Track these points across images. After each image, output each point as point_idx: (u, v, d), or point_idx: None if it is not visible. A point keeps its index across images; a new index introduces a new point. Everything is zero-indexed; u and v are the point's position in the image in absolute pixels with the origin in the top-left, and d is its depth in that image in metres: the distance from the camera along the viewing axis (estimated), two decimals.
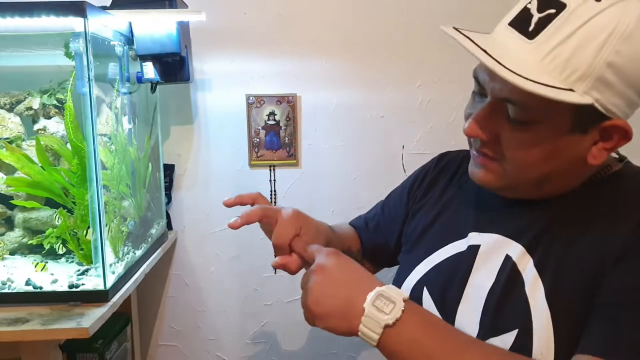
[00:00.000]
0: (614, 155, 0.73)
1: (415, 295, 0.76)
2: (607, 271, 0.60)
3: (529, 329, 0.63)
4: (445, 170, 0.89)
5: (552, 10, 0.60)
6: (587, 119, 0.62)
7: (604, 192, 0.68)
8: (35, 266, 1.10)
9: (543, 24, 0.60)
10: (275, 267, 0.76)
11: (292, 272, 0.76)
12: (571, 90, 0.59)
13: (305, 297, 0.65)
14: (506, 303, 0.66)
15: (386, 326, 0.59)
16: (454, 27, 0.65)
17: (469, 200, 0.81)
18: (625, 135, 0.63)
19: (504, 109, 0.65)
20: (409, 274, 0.80)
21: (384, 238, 0.95)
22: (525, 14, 0.63)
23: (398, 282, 0.82)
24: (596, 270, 0.61)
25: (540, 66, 0.60)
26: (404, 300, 0.60)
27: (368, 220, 1.00)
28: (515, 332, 0.63)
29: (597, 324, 0.59)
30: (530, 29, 0.61)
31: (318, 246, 0.71)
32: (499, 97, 0.64)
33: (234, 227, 0.75)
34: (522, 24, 0.63)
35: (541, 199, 0.71)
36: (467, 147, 0.76)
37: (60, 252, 1.14)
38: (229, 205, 0.82)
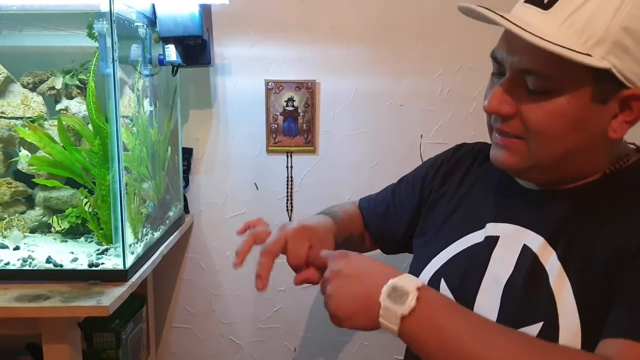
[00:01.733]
0: (632, 146, 0.73)
1: (432, 286, 0.76)
2: (628, 261, 0.60)
3: (555, 322, 0.62)
4: (461, 161, 0.88)
5: None
6: (606, 88, 0.62)
7: (623, 184, 0.68)
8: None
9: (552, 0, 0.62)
10: (297, 284, 0.76)
11: (315, 283, 0.75)
12: (589, 55, 0.59)
13: (327, 304, 0.65)
14: (529, 295, 0.66)
15: (403, 317, 0.59)
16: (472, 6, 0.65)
17: (487, 191, 0.81)
18: None
19: (523, 82, 0.64)
20: (425, 266, 0.80)
21: (392, 224, 0.94)
22: None
23: (414, 271, 0.82)
24: (619, 263, 0.61)
25: (558, 33, 0.60)
26: (418, 289, 0.60)
27: (377, 204, 0.98)
28: (540, 324, 0.63)
29: (617, 310, 0.59)
30: (546, 1, 0.62)
31: (327, 252, 0.71)
32: (519, 68, 0.64)
33: (237, 266, 0.77)
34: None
35: (561, 188, 0.71)
36: (485, 140, 0.76)
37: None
38: (241, 233, 0.84)
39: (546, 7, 0.62)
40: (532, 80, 0.63)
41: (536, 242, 0.68)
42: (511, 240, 0.71)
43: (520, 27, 0.60)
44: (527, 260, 0.68)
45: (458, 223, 0.81)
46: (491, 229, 0.75)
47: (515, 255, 0.70)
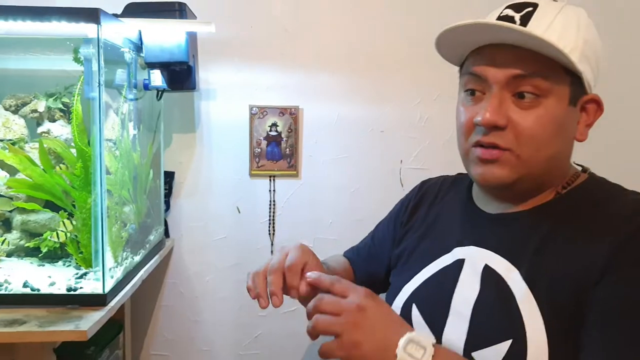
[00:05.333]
0: (577, 166, 0.78)
1: (405, 313, 0.78)
2: (594, 283, 0.63)
3: (524, 339, 0.65)
4: (426, 195, 0.93)
5: (530, 8, 0.69)
6: (577, 93, 0.69)
7: (578, 202, 0.72)
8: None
9: (527, 17, 0.68)
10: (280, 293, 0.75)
11: (297, 296, 0.75)
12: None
13: (342, 334, 0.64)
14: (498, 314, 0.68)
15: None
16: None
17: (453, 218, 0.84)
18: (599, 106, 0.72)
19: (510, 94, 0.69)
20: (398, 293, 0.82)
21: (376, 266, 0.98)
22: (506, 17, 0.69)
23: (388, 302, 0.84)
24: (584, 282, 0.64)
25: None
26: (433, 345, 0.63)
27: (360, 251, 1.04)
28: (509, 342, 0.65)
29: (593, 342, 0.61)
30: (519, 22, 0.69)
31: (349, 283, 0.71)
32: (511, 76, 0.68)
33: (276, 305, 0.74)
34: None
35: (518, 210, 0.74)
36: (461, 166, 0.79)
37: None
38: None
39: (522, 25, 0.68)
40: (525, 86, 0.67)
41: (498, 262, 0.71)
42: (475, 262, 0.74)
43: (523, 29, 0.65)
44: (492, 280, 0.71)
45: (426, 251, 0.84)
46: (457, 252, 0.78)
47: (479, 276, 0.72)
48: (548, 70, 0.67)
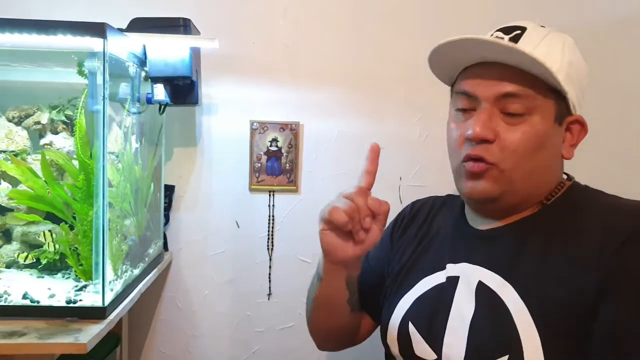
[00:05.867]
0: (564, 176, 0.80)
1: (402, 331, 0.79)
2: (592, 300, 0.64)
3: (520, 355, 0.66)
4: (418, 213, 0.95)
5: (518, 31, 0.73)
6: (562, 112, 0.73)
7: (561, 212, 0.74)
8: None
9: (516, 38, 0.72)
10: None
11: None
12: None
13: None
14: (494, 330, 0.69)
15: None
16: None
17: (444, 235, 0.86)
18: (583, 127, 0.75)
19: (498, 110, 0.72)
20: (393, 311, 0.83)
21: (376, 291, 0.95)
22: (496, 39, 0.72)
23: (385, 319, 0.84)
24: (580, 298, 0.65)
25: None
26: None
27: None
28: (505, 357, 0.67)
29: None
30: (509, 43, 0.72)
31: None
32: (499, 94, 0.71)
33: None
34: None
35: (505, 224, 0.76)
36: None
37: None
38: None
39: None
40: (512, 103, 0.70)
41: (491, 278, 0.73)
42: (469, 278, 0.75)
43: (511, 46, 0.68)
44: (486, 296, 0.72)
45: (419, 267, 0.85)
46: (451, 269, 0.79)
47: (473, 293, 0.73)
48: (535, 88, 0.70)
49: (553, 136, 0.73)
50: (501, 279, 0.71)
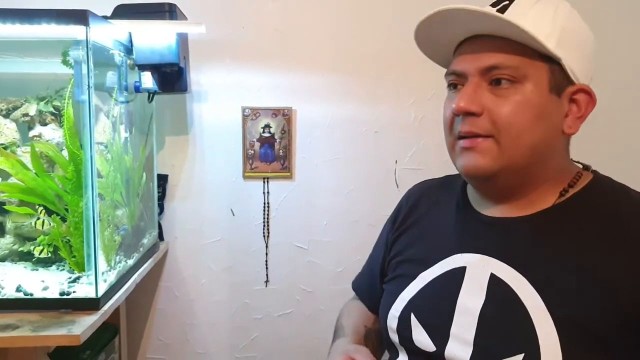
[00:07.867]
0: (578, 164, 0.76)
1: (403, 322, 0.76)
2: (631, 304, 0.61)
3: (537, 354, 0.62)
4: (416, 202, 0.90)
5: (507, 2, 0.69)
6: (559, 81, 0.69)
7: (586, 208, 0.69)
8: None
9: (503, 9, 0.68)
10: None
11: None
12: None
13: None
14: (507, 326, 0.66)
15: None
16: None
17: (446, 222, 0.81)
18: (590, 99, 0.70)
19: (486, 83, 0.69)
20: (394, 302, 0.79)
21: (380, 289, 0.91)
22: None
23: (384, 310, 0.81)
24: (612, 296, 0.62)
25: None
26: None
27: (363, 279, 0.98)
28: (521, 356, 0.63)
29: None
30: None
31: None
32: (486, 66, 0.68)
33: None
34: None
35: (521, 215, 0.72)
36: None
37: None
38: None
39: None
40: (499, 74, 0.68)
41: (505, 271, 0.69)
42: (478, 269, 0.71)
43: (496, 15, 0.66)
44: (499, 290, 0.68)
45: (421, 257, 0.80)
46: (458, 259, 0.74)
47: (484, 285, 0.69)
48: (524, 57, 0.67)
49: (550, 107, 0.68)
50: (516, 272, 0.68)
